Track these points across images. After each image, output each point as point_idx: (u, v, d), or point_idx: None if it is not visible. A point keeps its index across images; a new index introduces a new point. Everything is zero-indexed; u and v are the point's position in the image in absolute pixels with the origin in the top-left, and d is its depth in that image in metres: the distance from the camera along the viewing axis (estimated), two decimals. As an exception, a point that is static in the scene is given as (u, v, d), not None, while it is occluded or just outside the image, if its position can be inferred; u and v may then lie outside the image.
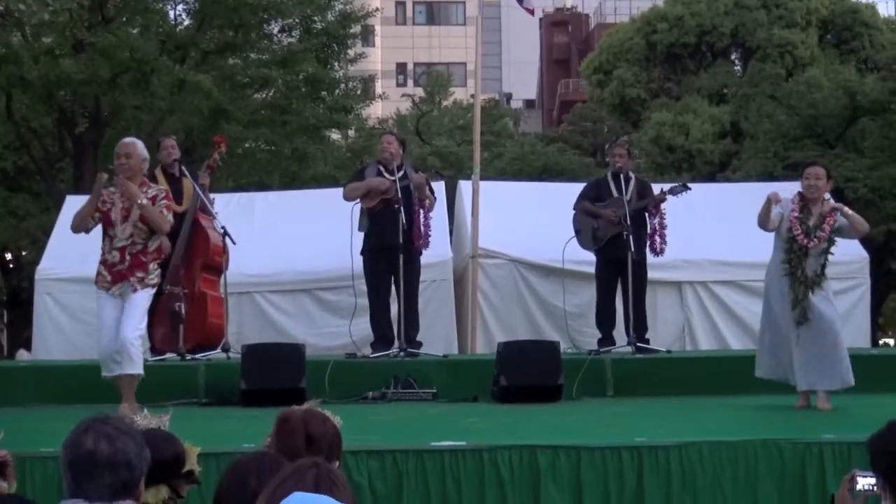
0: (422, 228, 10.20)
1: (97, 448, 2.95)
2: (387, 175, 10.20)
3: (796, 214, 8.12)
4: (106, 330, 7.85)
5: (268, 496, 2.76)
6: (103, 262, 7.96)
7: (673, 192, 10.76)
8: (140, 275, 7.85)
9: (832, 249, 8.15)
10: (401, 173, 10.22)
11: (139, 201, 7.83)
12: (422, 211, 10.19)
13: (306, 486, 2.73)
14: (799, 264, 8.06)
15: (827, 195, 8.35)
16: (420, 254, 10.43)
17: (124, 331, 7.77)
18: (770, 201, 8.21)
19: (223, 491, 3.48)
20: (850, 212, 8.36)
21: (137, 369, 7.88)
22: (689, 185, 11.23)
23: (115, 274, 7.87)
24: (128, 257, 7.85)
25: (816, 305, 8.03)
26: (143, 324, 8.13)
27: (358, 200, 10.35)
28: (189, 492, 4.08)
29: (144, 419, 3.88)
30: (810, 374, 8.06)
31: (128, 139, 8.35)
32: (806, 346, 8.04)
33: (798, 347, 8.05)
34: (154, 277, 7.98)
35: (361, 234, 10.42)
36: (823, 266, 8.12)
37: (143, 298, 7.93)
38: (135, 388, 7.89)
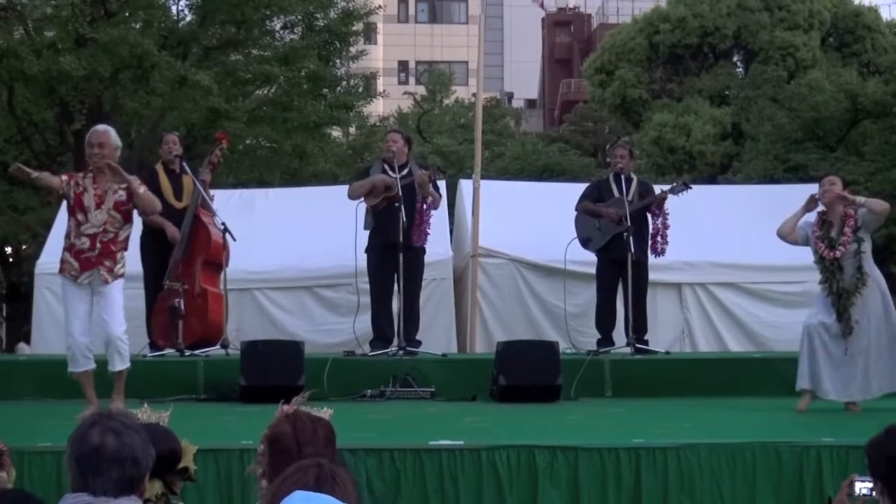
0: (422, 226, 10.17)
1: (104, 442, 2.96)
2: (391, 173, 10.19)
3: (817, 234, 8.13)
4: (78, 322, 7.60)
5: (270, 496, 2.76)
6: (69, 249, 7.66)
7: (674, 190, 10.75)
8: (109, 264, 7.60)
9: (863, 248, 8.09)
10: (405, 171, 10.21)
11: (139, 190, 7.66)
12: (424, 207, 10.17)
13: (307, 485, 2.73)
14: (833, 278, 8.03)
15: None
16: (424, 252, 10.41)
17: (112, 328, 7.59)
18: (810, 202, 8.22)
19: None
20: (862, 199, 8.30)
21: (127, 363, 7.77)
22: (692, 187, 11.21)
23: (84, 261, 7.60)
24: (98, 245, 7.59)
25: (867, 306, 8.01)
26: (123, 316, 7.86)
27: (362, 199, 10.34)
28: (186, 488, 4.08)
29: (144, 414, 3.88)
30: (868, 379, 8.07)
31: (100, 127, 8.08)
32: (864, 352, 8.02)
33: (853, 358, 8.01)
34: (122, 267, 7.72)
35: (367, 233, 10.40)
36: (860, 268, 8.04)
37: (118, 291, 7.69)
38: (124, 381, 7.82)
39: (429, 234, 10.31)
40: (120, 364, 7.70)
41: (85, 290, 7.66)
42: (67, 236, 7.74)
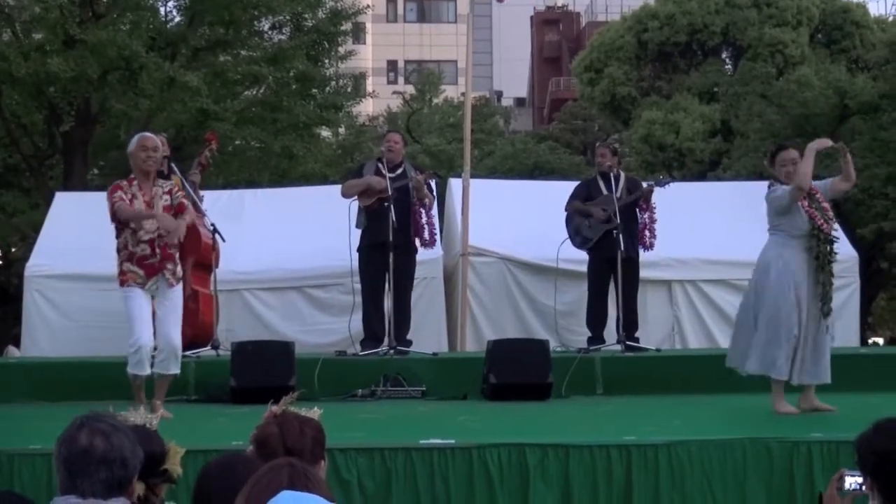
0: (425, 227, 10.23)
1: (92, 444, 2.96)
2: (385, 173, 10.21)
3: (807, 204, 7.58)
4: (145, 325, 7.63)
5: (244, 497, 2.75)
6: (130, 259, 7.68)
7: (659, 183, 10.80)
8: (171, 266, 7.72)
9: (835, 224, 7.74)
10: (399, 171, 10.24)
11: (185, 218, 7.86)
12: (423, 210, 10.21)
13: (281, 484, 2.71)
14: (827, 255, 7.53)
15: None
16: (416, 252, 10.43)
17: (176, 336, 7.71)
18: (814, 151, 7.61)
19: (197, 494, 3.47)
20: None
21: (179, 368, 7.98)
22: (679, 181, 11.23)
23: (148, 267, 7.66)
24: (158, 249, 7.67)
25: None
26: None
27: (356, 198, 10.35)
28: (178, 489, 4.06)
29: (139, 416, 3.85)
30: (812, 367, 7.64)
31: (146, 132, 8.17)
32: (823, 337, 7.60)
33: (820, 340, 7.57)
34: (180, 269, 7.87)
35: (359, 232, 10.41)
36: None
37: (180, 296, 7.86)
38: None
39: (435, 233, 10.38)
40: (175, 368, 7.86)
41: (148, 296, 7.74)
42: (125, 247, 7.73)
